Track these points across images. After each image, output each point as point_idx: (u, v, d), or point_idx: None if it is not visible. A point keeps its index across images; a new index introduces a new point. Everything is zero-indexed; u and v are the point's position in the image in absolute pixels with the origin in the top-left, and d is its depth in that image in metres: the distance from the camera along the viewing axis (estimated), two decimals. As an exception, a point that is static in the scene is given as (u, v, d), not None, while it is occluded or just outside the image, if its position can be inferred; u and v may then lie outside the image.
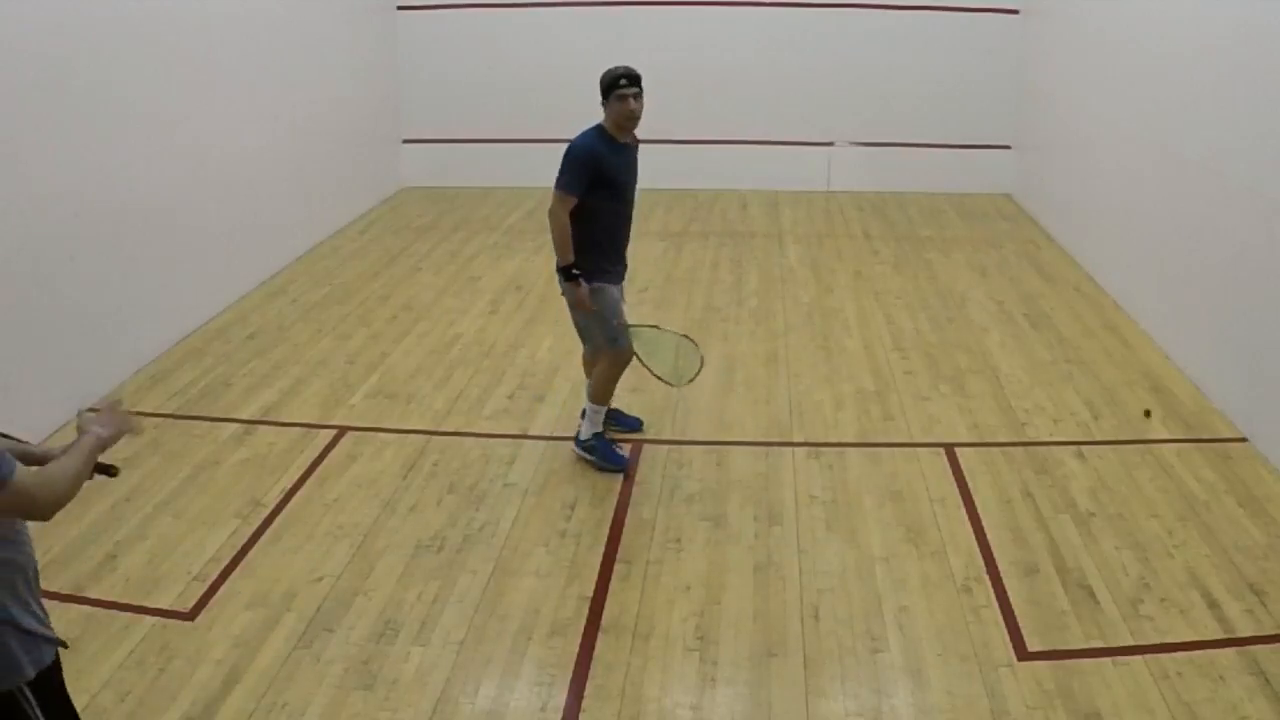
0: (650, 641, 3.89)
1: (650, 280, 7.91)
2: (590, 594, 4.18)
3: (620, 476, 5.03)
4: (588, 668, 3.76)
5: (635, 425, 5.45)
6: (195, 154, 6.84)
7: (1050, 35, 9.38)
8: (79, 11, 5.62)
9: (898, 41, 10.30)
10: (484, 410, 5.80)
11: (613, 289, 4.93)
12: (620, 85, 4.67)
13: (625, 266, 5.05)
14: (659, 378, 4.95)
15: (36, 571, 2.46)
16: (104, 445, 2.53)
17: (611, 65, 4.78)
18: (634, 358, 4.98)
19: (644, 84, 4.72)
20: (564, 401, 5.87)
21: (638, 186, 4.98)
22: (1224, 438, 5.39)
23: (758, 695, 3.62)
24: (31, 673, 2.45)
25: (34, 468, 2.36)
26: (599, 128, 4.79)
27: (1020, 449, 5.31)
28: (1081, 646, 3.82)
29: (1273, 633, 3.87)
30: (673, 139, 10.51)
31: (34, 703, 2.46)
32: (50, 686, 2.51)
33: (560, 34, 10.43)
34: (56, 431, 5.49)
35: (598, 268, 4.85)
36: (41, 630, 2.46)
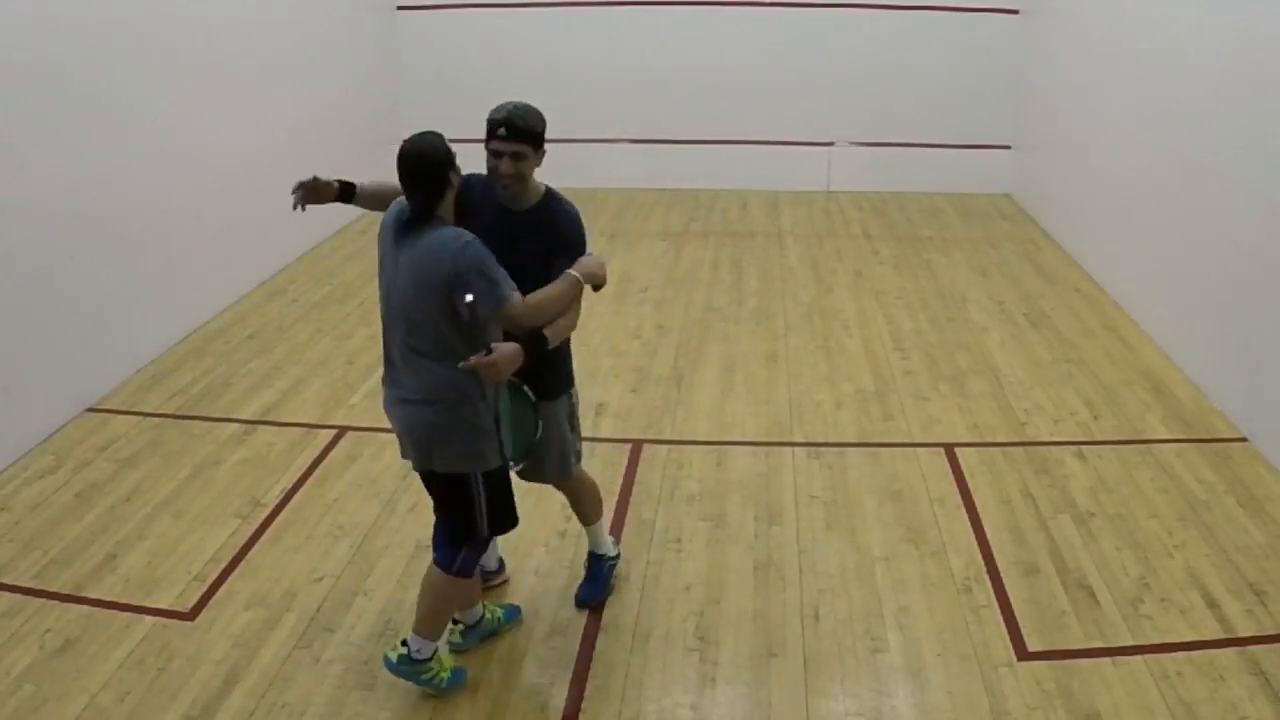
0: (650, 641, 3.89)
1: (650, 280, 7.91)
2: (590, 594, 4.18)
3: (620, 476, 5.03)
4: (588, 668, 3.76)
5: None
6: (195, 154, 6.84)
7: (1050, 35, 9.38)
8: (79, 11, 5.62)
9: (898, 42, 10.30)
10: (484, 410, 5.79)
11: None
12: (495, 134, 3.45)
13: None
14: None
15: None
16: (581, 288, 3.44)
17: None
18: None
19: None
20: (564, 401, 5.87)
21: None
22: (1224, 438, 5.39)
23: (758, 695, 3.62)
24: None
25: (529, 297, 3.29)
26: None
27: (1020, 449, 5.30)
28: (1081, 646, 3.82)
29: (1273, 633, 3.87)
30: (673, 139, 10.53)
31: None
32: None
33: (560, 34, 10.42)
34: (57, 431, 5.50)
35: None
36: None
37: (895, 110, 10.45)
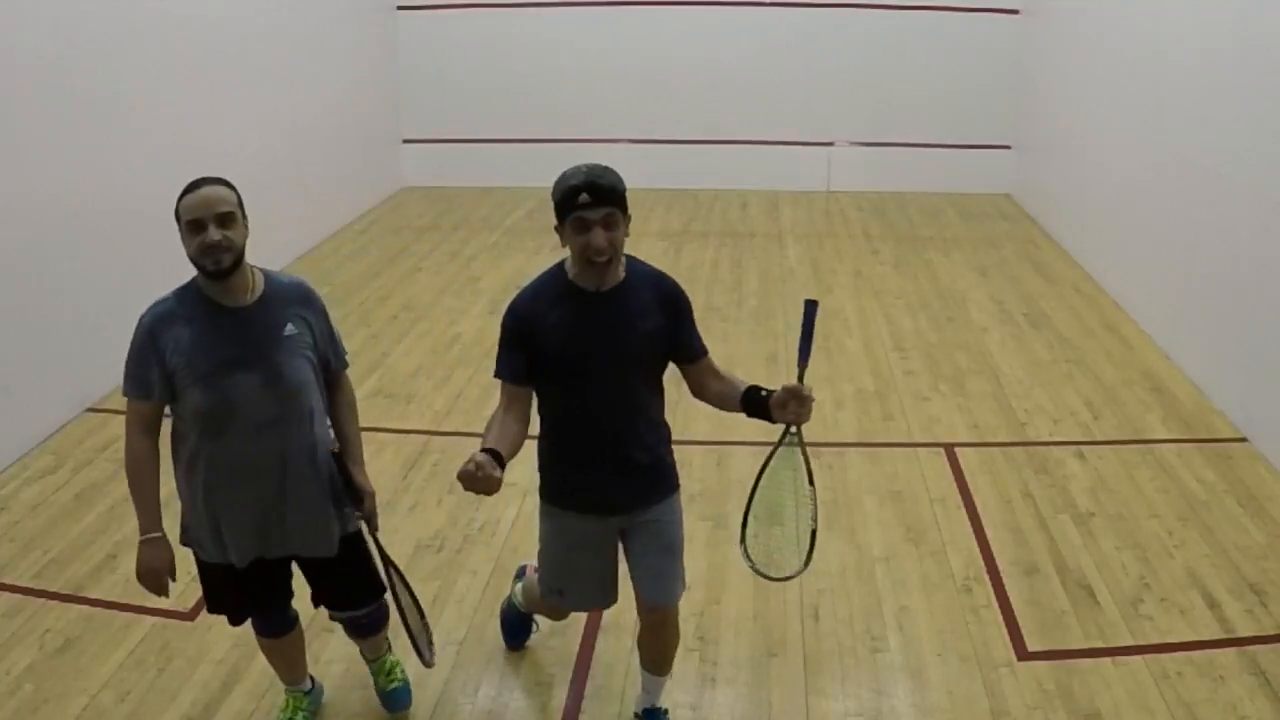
0: (650, 641, 3.89)
1: (650, 280, 7.90)
2: (590, 594, 4.17)
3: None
4: (588, 668, 3.76)
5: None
6: (195, 154, 6.79)
7: (1050, 35, 9.38)
8: (79, 11, 5.62)
9: (897, 41, 10.31)
10: (484, 410, 5.79)
11: (567, 522, 3.13)
12: (578, 202, 2.77)
13: (618, 488, 3.12)
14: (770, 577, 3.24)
15: None
16: None
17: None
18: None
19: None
20: (564, 401, 5.87)
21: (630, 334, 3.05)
22: (1224, 438, 5.39)
23: (758, 695, 3.62)
24: None
25: None
26: (557, 268, 2.98)
27: (1020, 449, 5.31)
28: (1081, 646, 3.82)
29: (1273, 633, 3.87)
30: (673, 139, 10.53)
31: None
32: None
33: (560, 34, 10.42)
34: (57, 431, 5.50)
35: (546, 480, 3.19)
36: None
37: (895, 110, 10.46)
